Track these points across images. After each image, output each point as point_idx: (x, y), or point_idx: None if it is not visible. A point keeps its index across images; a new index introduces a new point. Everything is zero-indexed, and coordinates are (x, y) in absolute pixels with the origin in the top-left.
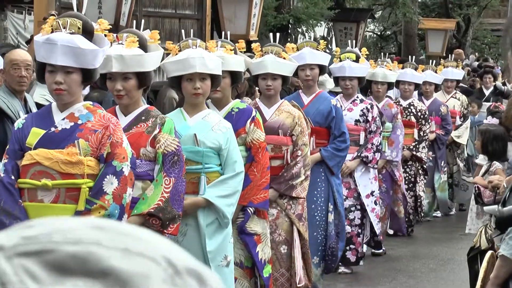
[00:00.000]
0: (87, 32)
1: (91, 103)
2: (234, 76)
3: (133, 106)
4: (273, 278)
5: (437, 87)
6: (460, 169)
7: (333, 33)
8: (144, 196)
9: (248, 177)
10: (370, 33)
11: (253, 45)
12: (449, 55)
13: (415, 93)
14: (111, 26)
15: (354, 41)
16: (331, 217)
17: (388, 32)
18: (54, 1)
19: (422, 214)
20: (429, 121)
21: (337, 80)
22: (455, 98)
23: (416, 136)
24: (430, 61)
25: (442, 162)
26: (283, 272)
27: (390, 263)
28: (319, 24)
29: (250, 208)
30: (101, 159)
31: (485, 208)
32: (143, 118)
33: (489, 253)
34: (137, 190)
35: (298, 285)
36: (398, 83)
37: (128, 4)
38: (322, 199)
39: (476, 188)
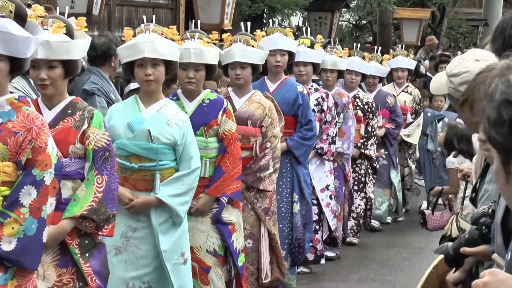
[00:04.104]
0: (20, 17)
1: (16, 96)
2: (209, 68)
3: (58, 98)
4: None
5: (381, 80)
6: (412, 171)
7: (308, 23)
8: (76, 197)
9: (220, 168)
10: (346, 23)
11: (224, 35)
12: (424, 44)
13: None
14: (46, 13)
15: (329, 31)
16: (296, 207)
17: (363, 22)
18: None
19: (370, 219)
20: (377, 114)
21: (290, 66)
22: (406, 92)
23: (363, 132)
24: (375, 50)
25: (397, 159)
26: (247, 266)
27: (363, 252)
28: (294, 14)
29: (224, 198)
30: (19, 165)
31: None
32: (69, 111)
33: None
34: (67, 190)
35: (264, 281)
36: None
37: None
38: (288, 190)
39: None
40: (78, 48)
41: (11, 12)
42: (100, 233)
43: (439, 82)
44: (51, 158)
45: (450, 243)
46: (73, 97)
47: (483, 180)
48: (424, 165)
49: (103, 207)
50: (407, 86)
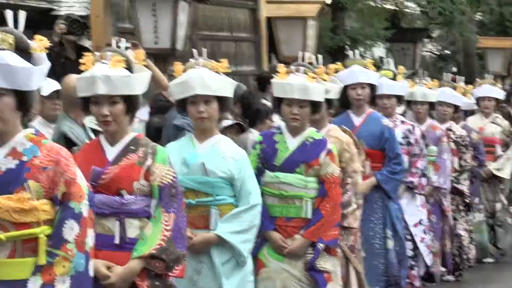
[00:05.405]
0: (21, 50)
1: (33, 131)
2: (315, 105)
3: (120, 134)
4: None
5: (465, 114)
6: (505, 207)
7: (391, 54)
8: (143, 236)
9: (319, 212)
10: (429, 53)
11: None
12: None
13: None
14: (51, 44)
15: (412, 61)
16: (390, 243)
17: (446, 52)
18: (110, 28)
19: (467, 256)
20: (471, 149)
21: (373, 99)
22: (495, 123)
23: (456, 165)
24: (456, 80)
25: (476, 199)
26: None
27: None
28: (376, 44)
29: (321, 244)
30: (56, 200)
31: None
32: (132, 147)
33: None
34: (134, 229)
35: None
36: (434, 105)
37: (184, 28)
38: (380, 226)
39: None
40: (139, 83)
41: (10, 44)
42: (170, 274)
43: None
44: (83, 189)
45: None
46: (136, 133)
47: None
48: None
49: (172, 247)
50: (496, 117)
